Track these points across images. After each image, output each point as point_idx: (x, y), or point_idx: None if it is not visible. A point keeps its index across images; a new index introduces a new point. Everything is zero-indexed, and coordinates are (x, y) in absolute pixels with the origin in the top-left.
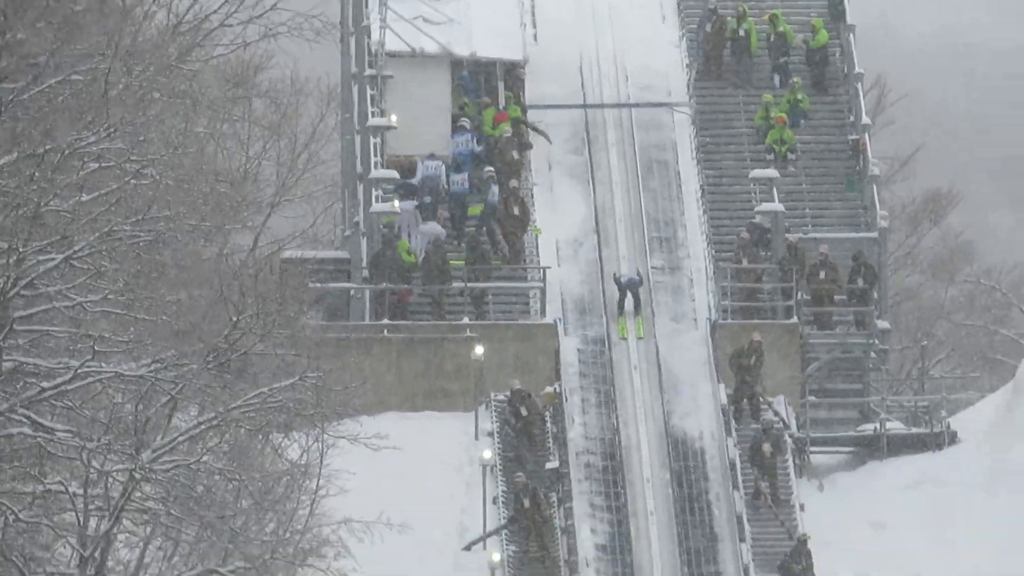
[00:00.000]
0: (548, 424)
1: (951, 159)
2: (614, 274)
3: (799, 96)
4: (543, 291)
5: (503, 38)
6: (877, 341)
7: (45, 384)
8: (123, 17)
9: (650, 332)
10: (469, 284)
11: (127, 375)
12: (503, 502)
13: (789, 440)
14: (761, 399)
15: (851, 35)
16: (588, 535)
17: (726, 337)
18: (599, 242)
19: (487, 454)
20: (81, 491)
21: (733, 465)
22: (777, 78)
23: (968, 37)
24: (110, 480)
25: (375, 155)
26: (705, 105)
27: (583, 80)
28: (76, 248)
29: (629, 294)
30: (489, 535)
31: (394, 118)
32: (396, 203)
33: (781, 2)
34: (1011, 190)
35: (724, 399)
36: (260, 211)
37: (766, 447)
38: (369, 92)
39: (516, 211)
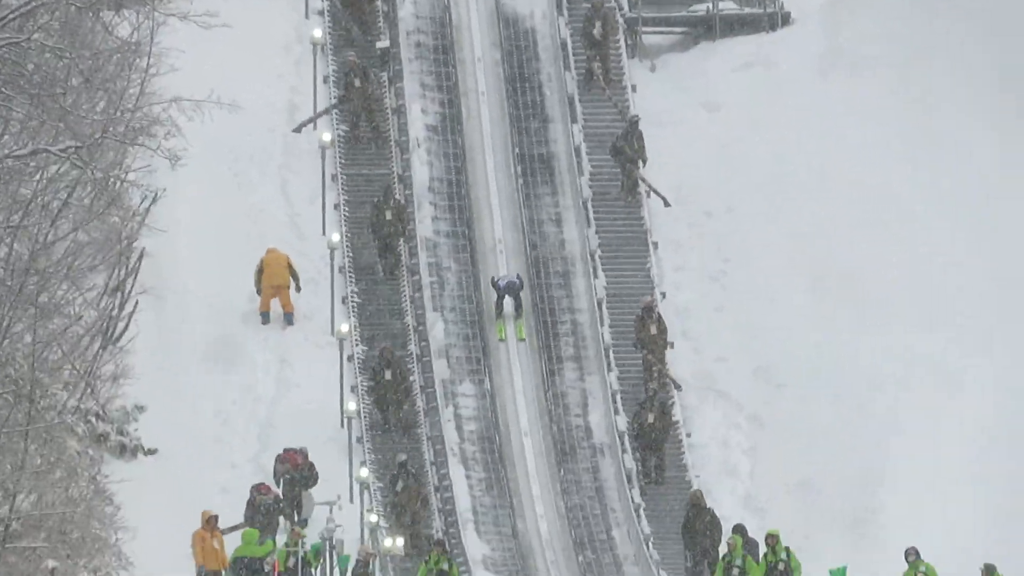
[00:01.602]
0: (378, 2)
1: None
2: (492, 277)
3: None
4: None
5: None
6: None
7: None
8: None
9: (529, 325)
10: None
11: None
12: (333, 82)
13: (620, 20)
14: None
15: None
16: (419, 115)
17: None
18: None
19: (317, 32)
20: None
21: (564, 45)
22: None
23: None
24: None
25: None
26: None
27: None
28: None
29: (508, 297)
30: (319, 115)
31: None
32: None
33: None
34: None
35: None
36: None
37: (597, 26)
38: None
39: None
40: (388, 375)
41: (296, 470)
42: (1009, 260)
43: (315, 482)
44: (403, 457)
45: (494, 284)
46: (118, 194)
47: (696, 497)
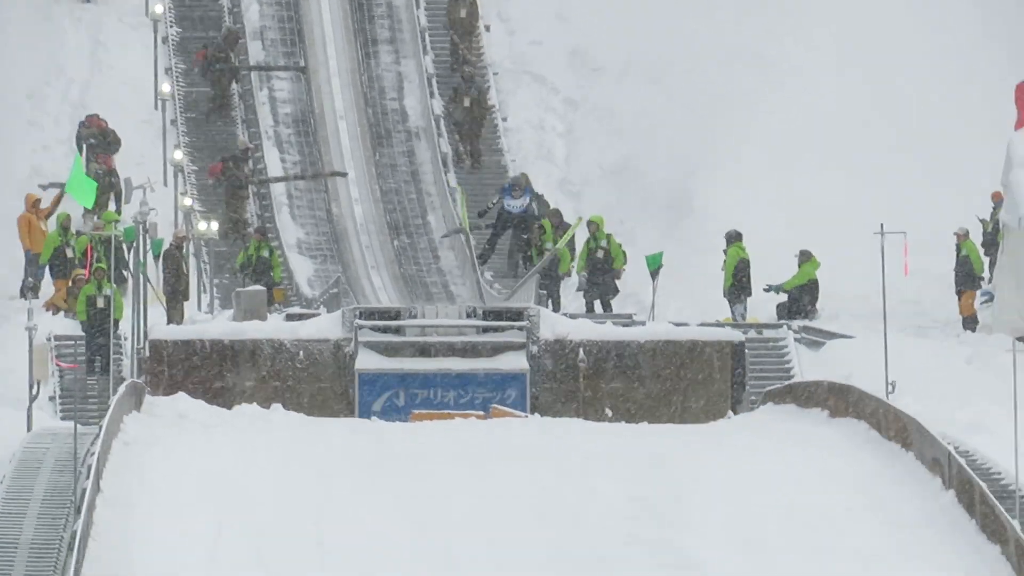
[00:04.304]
0: None
1: None
2: (494, 202)
3: None
4: None
5: None
6: None
7: None
8: None
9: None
10: None
11: None
12: None
13: None
14: None
15: None
16: None
17: None
18: None
19: None
20: None
21: None
22: None
23: None
24: None
25: None
26: None
27: None
28: None
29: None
30: None
31: None
32: None
33: None
34: None
35: None
36: None
37: None
38: None
39: None
40: (234, 57)
41: (102, 134)
42: None
43: (118, 147)
44: (246, 142)
45: (494, 207)
46: None
47: (521, 179)
